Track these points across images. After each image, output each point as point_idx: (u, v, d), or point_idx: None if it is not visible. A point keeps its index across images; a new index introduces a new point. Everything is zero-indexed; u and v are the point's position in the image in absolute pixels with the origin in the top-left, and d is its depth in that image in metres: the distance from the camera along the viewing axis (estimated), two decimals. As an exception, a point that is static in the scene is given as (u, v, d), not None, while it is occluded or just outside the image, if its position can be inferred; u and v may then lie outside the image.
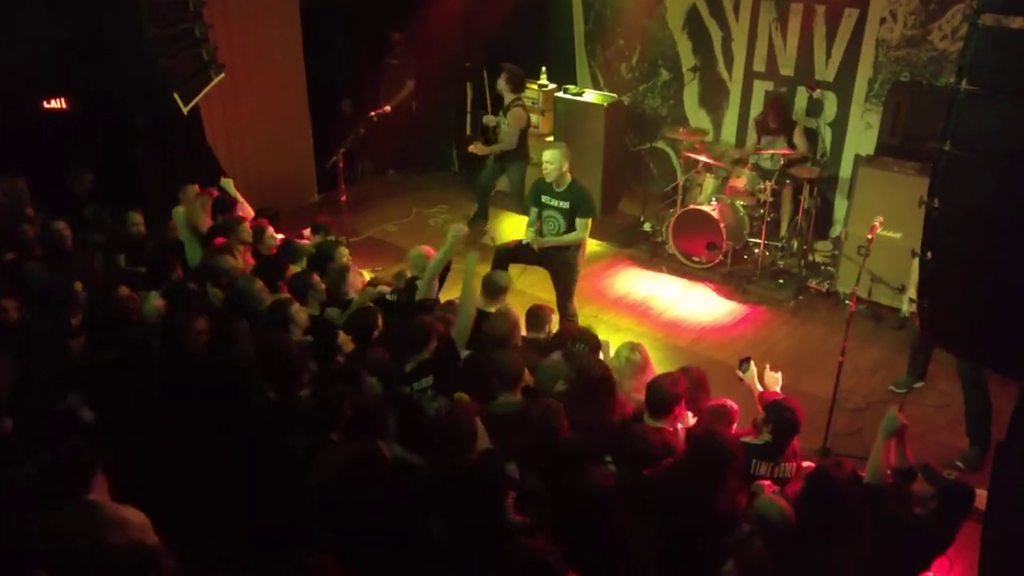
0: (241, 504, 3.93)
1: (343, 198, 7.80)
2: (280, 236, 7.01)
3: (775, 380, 4.93)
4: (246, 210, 7.35)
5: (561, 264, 6.67)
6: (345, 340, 5.22)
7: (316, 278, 5.79)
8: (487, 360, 4.81)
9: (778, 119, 8.29)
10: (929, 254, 3.48)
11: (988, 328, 3.42)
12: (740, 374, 4.96)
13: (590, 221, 6.56)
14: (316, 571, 3.14)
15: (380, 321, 5.39)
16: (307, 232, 7.23)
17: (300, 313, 5.31)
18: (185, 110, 7.98)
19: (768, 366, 5.05)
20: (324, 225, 7.05)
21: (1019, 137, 3.01)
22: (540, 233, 6.66)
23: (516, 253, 6.83)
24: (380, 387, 4.82)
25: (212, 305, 5.70)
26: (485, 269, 6.33)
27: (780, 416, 4.29)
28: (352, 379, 4.63)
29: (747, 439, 4.35)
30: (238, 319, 5.16)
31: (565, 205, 6.53)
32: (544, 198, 6.62)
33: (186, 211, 6.93)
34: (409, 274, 6.17)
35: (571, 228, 6.56)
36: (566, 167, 6.49)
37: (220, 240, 6.59)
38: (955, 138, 3.20)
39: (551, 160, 6.47)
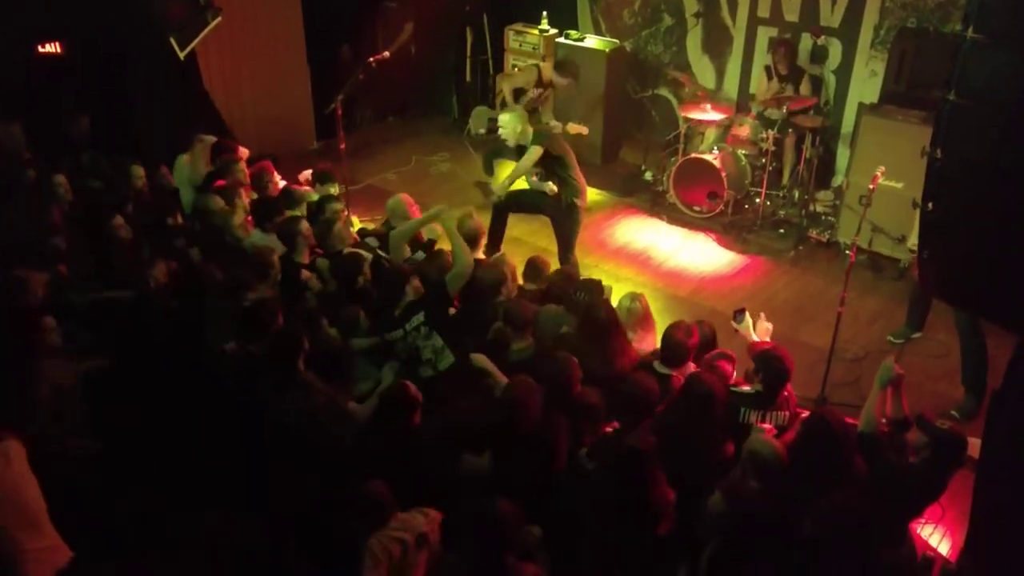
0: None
1: (342, 146, 7.73)
2: (283, 182, 7.00)
3: (766, 330, 4.95)
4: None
5: (560, 214, 6.64)
6: (309, 277, 5.31)
7: (305, 225, 5.78)
8: (503, 310, 4.86)
9: (787, 65, 8.19)
10: (930, 205, 3.45)
11: (987, 279, 3.40)
12: (735, 325, 4.98)
13: (535, 149, 6.38)
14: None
15: (367, 269, 5.41)
16: (306, 175, 7.19)
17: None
18: (182, 55, 7.90)
19: (763, 315, 5.07)
20: (326, 172, 7.00)
21: (1022, 86, 2.96)
22: None
23: (513, 204, 6.80)
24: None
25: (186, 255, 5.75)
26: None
27: (769, 365, 4.32)
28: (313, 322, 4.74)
29: (737, 388, 4.40)
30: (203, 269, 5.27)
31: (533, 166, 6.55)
32: (504, 160, 6.59)
33: (191, 160, 6.90)
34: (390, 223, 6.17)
35: (544, 179, 6.63)
36: (521, 128, 6.43)
37: (220, 182, 6.59)
38: (960, 87, 3.15)
39: (506, 124, 6.45)
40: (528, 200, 6.83)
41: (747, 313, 4.97)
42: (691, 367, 4.60)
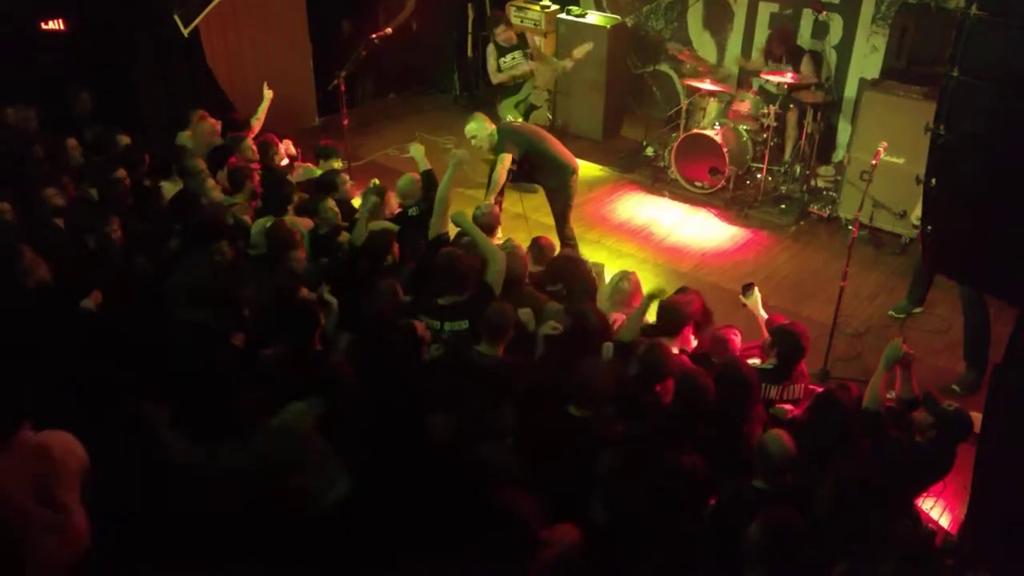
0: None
1: (345, 121, 7.75)
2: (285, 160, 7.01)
3: (756, 301, 5.00)
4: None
5: (553, 189, 6.68)
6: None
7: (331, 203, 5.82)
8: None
9: (783, 47, 8.19)
10: (933, 180, 3.49)
11: (989, 254, 3.45)
12: (743, 299, 5.03)
13: (504, 158, 6.35)
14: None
15: (396, 248, 5.39)
16: (288, 146, 7.19)
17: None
18: (186, 32, 7.92)
19: (754, 286, 5.11)
20: (329, 148, 7.04)
21: (1025, 64, 3.00)
22: None
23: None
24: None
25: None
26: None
27: (787, 340, 4.38)
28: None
29: (756, 363, 4.45)
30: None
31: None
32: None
33: (193, 137, 6.91)
34: (399, 204, 6.14)
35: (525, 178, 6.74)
36: (490, 129, 6.45)
37: (233, 159, 6.61)
38: (963, 64, 3.18)
39: (474, 133, 6.46)
40: (522, 174, 6.85)
41: (756, 288, 5.02)
42: (690, 338, 4.66)
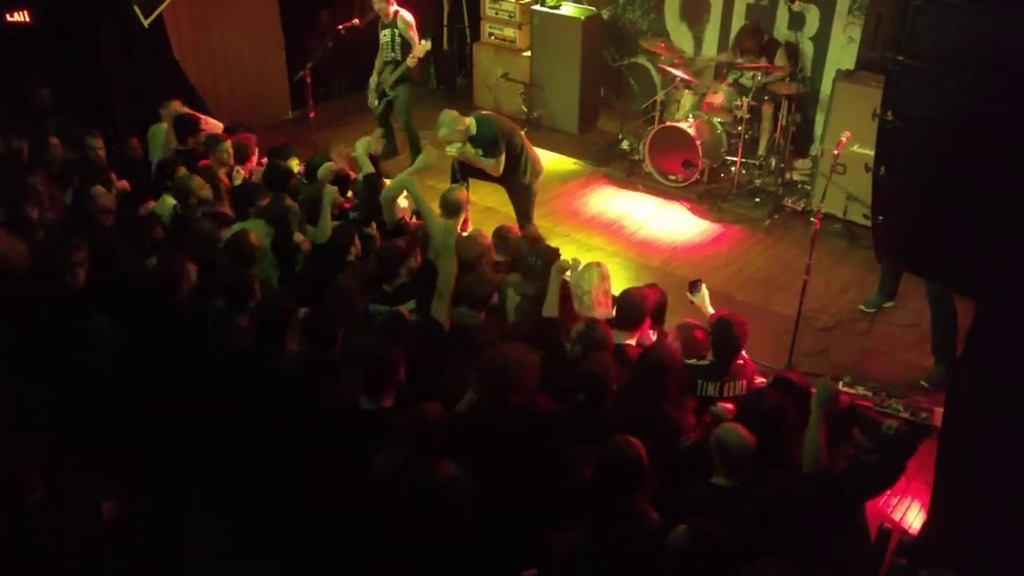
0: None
1: (311, 114, 7.64)
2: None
3: (703, 299, 4.86)
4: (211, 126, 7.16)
5: (515, 185, 6.58)
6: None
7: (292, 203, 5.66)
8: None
9: (753, 41, 8.09)
10: (883, 169, 3.40)
11: (940, 243, 3.35)
12: (690, 296, 4.87)
13: (503, 158, 6.29)
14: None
15: (357, 241, 5.32)
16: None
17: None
18: (146, 23, 7.79)
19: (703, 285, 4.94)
20: (286, 148, 6.84)
21: (971, 46, 2.90)
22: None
23: (473, 170, 6.65)
24: None
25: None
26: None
27: (719, 333, 4.27)
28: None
29: (692, 360, 4.33)
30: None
31: (480, 150, 6.36)
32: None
33: (167, 131, 6.78)
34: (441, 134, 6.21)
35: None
36: (463, 124, 6.23)
37: (205, 161, 6.43)
38: (909, 48, 3.09)
39: (448, 138, 6.24)
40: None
41: (703, 285, 4.88)
42: (649, 334, 4.56)
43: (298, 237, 5.34)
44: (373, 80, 8.31)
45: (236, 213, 5.85)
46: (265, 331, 4.27)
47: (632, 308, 4.50)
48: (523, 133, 6.69)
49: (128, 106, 8.28)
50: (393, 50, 8.11)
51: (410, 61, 7.95)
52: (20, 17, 8.27)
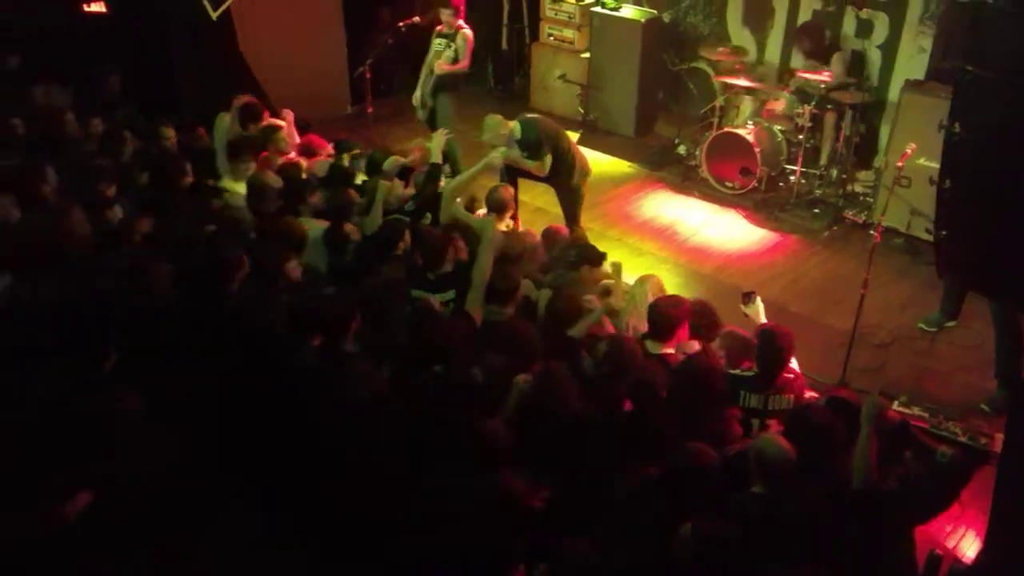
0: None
1: (369, 110, 7.69)
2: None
3: (757, 312, 4.73)
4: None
5: (563, 187, 6.55)
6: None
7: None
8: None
9: (814, 42, 7.92)
10: (947, 181, 3.29)
11: (1003, 260, 3.24)
12: (743, 308, 4.73)
13: (548, 160, 6.31)
14: None
15: (407, 236, 5.32)
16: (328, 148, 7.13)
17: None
18: (214, 16, 7.93)
19: (758, 297, 4.81)
20: (347, 142, 6.90)
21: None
22: None
23: (522, 172, 6.65)
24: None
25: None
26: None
27: (764, 344, 4.16)
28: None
29: (735, 371, 4.24)
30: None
31: (525, 153, 6.38)
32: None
33: (230, 121, 6.88)
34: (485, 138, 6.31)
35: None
36: (506, 128, 6.29)
37: (263, 153, 6.50)
38: (978, 58, 2.98)
39: (492, 142, 6.31)
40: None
41: (758, 297, 4.75)
42: (692, 343, 4.48)
43: (349, 227, 5.37)
44: (417, 94, 8.15)
45: (286, 206, 5.92)
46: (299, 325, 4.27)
47: (662, 317, 4.41)
48: (570, 135, 6.66)
49: (194, 97, 8.45)
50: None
51: (437, 69, 7.74)
52: (98, 8, 8.54)
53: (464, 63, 7.81)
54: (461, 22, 7.84)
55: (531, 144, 6.31)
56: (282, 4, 8.93)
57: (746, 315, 4.76)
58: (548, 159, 6.31)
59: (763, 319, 4.67)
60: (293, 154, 6.70)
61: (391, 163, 6.05)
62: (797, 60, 8.31)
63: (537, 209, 7.24)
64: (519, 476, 3.15)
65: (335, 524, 3.38)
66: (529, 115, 6.63)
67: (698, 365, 3.97)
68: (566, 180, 6.50)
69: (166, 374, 4.02)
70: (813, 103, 7.59)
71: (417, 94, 8.15)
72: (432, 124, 8.27)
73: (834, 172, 8.02)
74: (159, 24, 8.28)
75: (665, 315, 4.36)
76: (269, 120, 7.15)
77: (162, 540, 3.18)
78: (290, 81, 9.15)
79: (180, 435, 3.71)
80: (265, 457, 3.69)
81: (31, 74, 8.61)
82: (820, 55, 7.90)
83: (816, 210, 7.78)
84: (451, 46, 7.82)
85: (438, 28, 7.92)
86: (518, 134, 6.31)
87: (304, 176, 6.19)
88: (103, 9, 8.44)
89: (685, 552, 3.04)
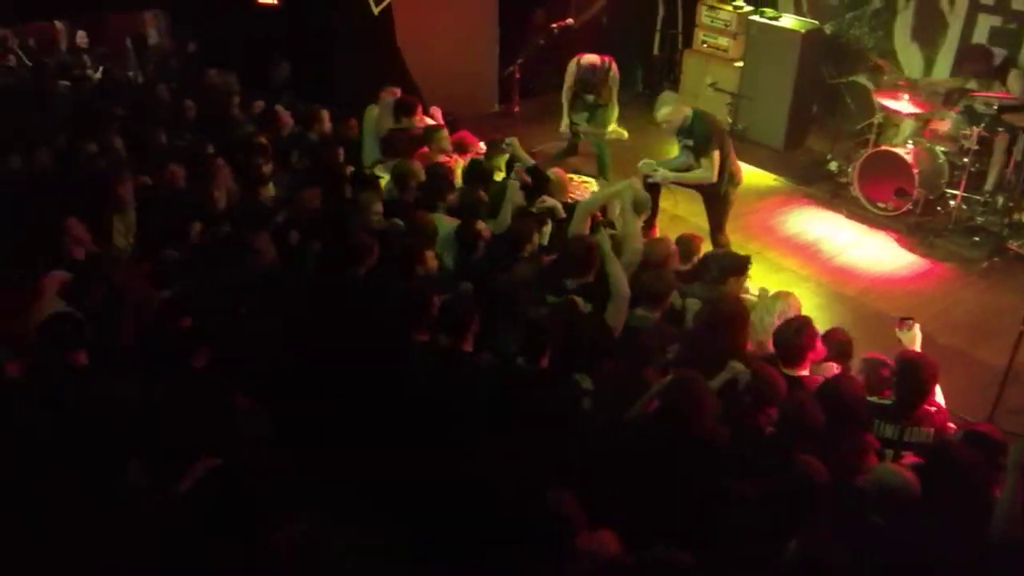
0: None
1: (516, 109, 7.78)
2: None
3: (913, 338, 4.45)
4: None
5: (713, 192, 6.42)
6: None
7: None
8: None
9: (982, 64, 7.53)
10: None
11: None
12: (898, 333, 4.47)
13: (716, 156, 6.18)
14: None
15: (535, 238, 5.36)
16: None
17: None
18: (376, 10, 8.24)
19: (917, 325, 4.51)
20: (498, 142, 7.00)
21: None
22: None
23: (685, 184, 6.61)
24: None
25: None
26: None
27: (905, 373, 3.95)
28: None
29: (874, 398, 4.05)
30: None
31: (690, 143, 6.31)
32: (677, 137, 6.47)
33: (379, 113, 7.15)
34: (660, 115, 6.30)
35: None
36: (682, 113, 6.23)
37: (423, 149, 6.69)
38: None
39: (668, 118, 6.26)
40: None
41: (916, 325, 4.46)
42: (832, 366, 4.30)
43: (480, 225, 5.45)
44: (564, 122, 8.20)
45: (425, 203, 6.05)
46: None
47: (785, 341, 4.21)
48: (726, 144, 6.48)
49: (349, 88, 8.80)
50: (592, 90, 8.00)
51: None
52: (269, 0, 9.05)
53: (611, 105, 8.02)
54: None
55: (699, 138, 6.24)
56: (441, 1, 9.12)
57: (899, 340, 4.50)
58: (716, 157, 6.19)
59: (918, 348, 4.39)
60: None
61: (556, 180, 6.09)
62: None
63: (674, 217, 7.13)
64: None
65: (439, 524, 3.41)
66: (703, 110, 6.52)
67: (841, 388, 3.82)
68: (717, 186, 6.37)
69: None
70: (983, 124, 7.14)
71: (564, 124, 8.22)
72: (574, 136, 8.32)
73: (1000, 199, 7.50)
74: (323, 16, 8.67)
75: (787, 341, 4.18)
76: (423, 117, 7.36)
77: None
78: (440, 76, 9.35)
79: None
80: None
81: (205, 59, 9.24)
82: (992, 74, 7.43)
83: (976, 238, 7.31)
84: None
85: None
86: (689, 123, 6.25)
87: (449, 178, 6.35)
88: (273, 1, 8.93)
89: (788, 570, 2.95)
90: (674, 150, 6.86)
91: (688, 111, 6.28)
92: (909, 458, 3.85)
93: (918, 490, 3.32)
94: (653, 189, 6.62)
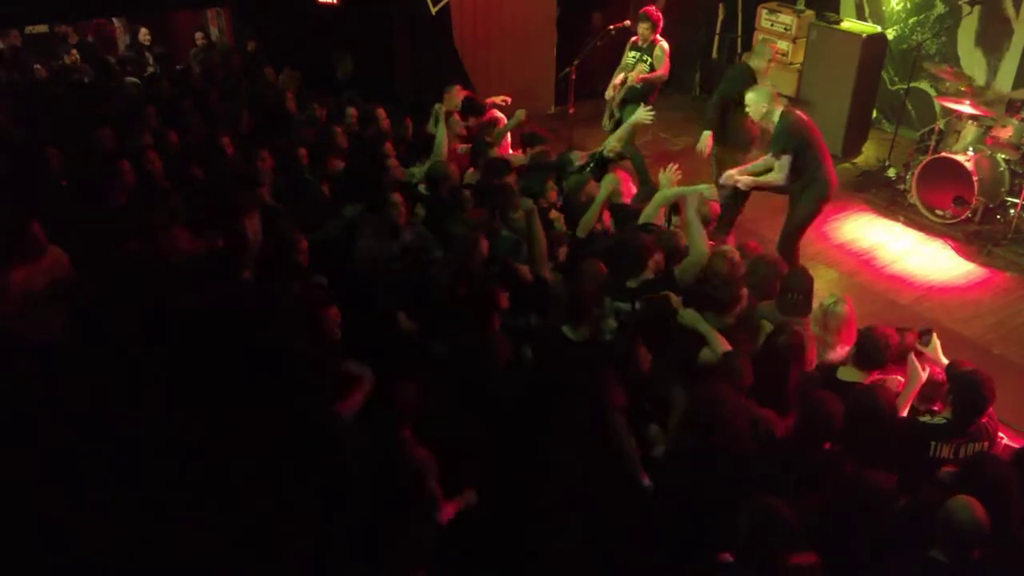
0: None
1: (571, 110, 7.85)
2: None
3: (935, 350, 4.38)
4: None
5: (795, 201, 6.25)
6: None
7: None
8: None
9: None
10: None
11: None
12: (919, 346, 4.38)
13: (787, 159, 5.97)
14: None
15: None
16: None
17: None
18: (433, 10, 8.38)
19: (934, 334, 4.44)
20: (536, 135, 7.04)
21: None
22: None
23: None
24: None
25: None
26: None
27: (962, 390, 3.85)
28: None
29: (925, 418, 3.97)
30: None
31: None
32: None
33: (445, 111, 7.28)
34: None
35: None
36: (767, 108, 6.03)
37: (456, 146, 6.88)
38: None
39: (753, 102, 6.12)
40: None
41: (934, 334, 4.41)
42: (894, 376, 4.27)
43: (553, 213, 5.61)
44: (605, 123, 8.12)
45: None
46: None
47: (874, 348, 4.17)
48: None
49: (407, 87, 8.96)
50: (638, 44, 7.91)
51: (631, 80, 7.69)
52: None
53: (662, 71, 7.76)
54: (659, 35, 7.78)
55: (774, 137, 6.08)
56: (499, 2, 9.21)
57: (922, 353, 4.39)
58: (785, 161, 5.99)
59: (942, 359, 4.32)
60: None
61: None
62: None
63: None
64: None
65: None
66: (797, 111, 6.24)
67: (870, 400, 3.79)
68: (802, 195, 6.18)
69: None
70: (1047, 133, 7.03)
71: (606, 123, 8.13)
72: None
73: (1062, 209, 7.37)
74: (382, 15, 8.84)
75: (875, 348, 4.14)
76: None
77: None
78: (498, 77, 9.46)
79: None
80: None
81: (265, 57, 9.46)
82: None
83: (1038, 249, 7.20)
84: (646, 59, 7.78)
85: (632, 39, 7.91)
86: (774, 119, 6.05)
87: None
88: (334, 0, 9.14)
89: None
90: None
91: (777, 110, 6.04)
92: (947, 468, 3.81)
93: (989, 530, 3.19)
94: (740, 197, 6.53)
